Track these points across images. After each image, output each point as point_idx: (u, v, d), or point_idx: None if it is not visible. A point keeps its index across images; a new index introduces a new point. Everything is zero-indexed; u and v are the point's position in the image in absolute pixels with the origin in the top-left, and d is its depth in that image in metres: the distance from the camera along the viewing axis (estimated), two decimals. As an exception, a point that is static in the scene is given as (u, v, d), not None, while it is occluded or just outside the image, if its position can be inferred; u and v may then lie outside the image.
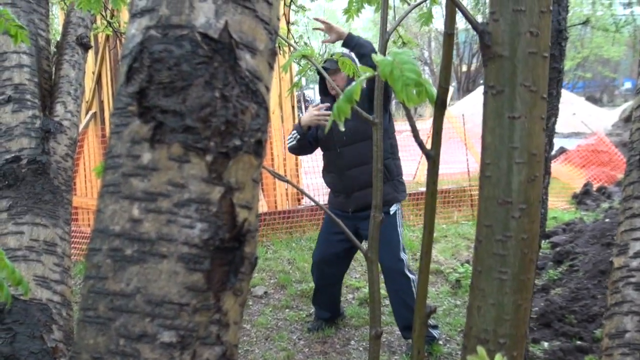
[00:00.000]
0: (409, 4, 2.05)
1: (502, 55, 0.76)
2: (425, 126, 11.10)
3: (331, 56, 4.34)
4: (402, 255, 4.52)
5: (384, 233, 4.53)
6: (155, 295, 0.83)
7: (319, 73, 4.48)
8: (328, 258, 4.80)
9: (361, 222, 4.48)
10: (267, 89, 0.94)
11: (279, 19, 0.98)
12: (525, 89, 0.75)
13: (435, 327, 4.78)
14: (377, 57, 0.82)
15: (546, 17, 0.75)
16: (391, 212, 4.54)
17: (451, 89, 13.74)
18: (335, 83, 4.58)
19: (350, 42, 4.33)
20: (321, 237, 4.92)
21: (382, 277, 5.52)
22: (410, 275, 4.49)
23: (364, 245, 1.69)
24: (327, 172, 4.77)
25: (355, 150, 4.56)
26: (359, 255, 5.42)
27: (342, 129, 0.94)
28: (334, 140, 4.61)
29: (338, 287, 5.05)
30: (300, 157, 8.82)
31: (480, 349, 0.67)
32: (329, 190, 4.85)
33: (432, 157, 0.79)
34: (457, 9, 0.78)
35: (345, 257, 4.84)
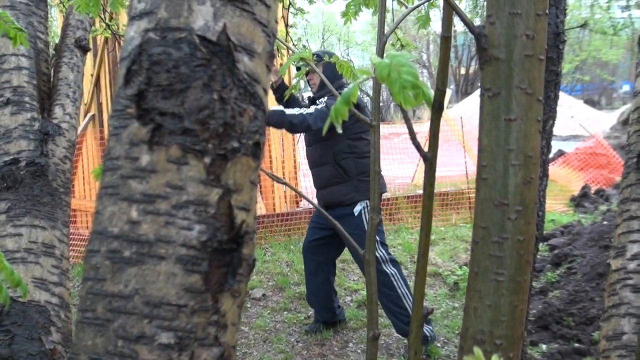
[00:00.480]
0: (406, 7, 2.05)
1: (499, 58, 0.76)
2: (423, 129, 11.11)
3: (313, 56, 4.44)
4: (378, 252, 4.53)
5: (353, 236, 4.54)
6: (153, 296, 0.83)
7: (306, 73, 4.55)
8: (310, 244, 4.91)
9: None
10: (265, 91, 0.94)
11: (277, 22, 0.98)
12: (521, 92, 0.76)
13: (428, 322, 4.76)
14: (374, 60, 0.82)
15: (542, 20, 0.76)
16: (355, 214, 4.58)
17: (449, 92, 13.77)
18: (312, 81, 4.76)
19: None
20: (308, 226, 5.12)
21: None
22: (389, 270, 4.51)
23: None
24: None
25: (315, 151, 4.76)
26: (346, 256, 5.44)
27: (340, 131, 0.94)
28: (308, 138, 4.85)
29: (323, 281, 4.99)
30: (298, 160, 8.83)
31: (477, 350, 0.67)
32: None
33: (429, 159, 0.80)
34: (454, 12, 0.78)
35: (326, 245, 4.85)
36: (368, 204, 4.65)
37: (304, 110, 4.43)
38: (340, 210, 4.58)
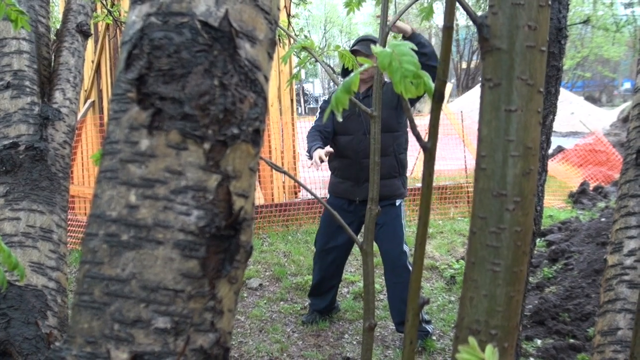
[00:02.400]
0: (409, -2, 2.05)
1: (500, 48, 0.76)
2: (424, 122, 11.11)
3: (362, 40, 4.32)
4: (405, 248, 4.54)
5: (389, 224, 4.56)
6: (150, 281, 0.83)
7: (344, 73, 4.41)
8: (330, 248, 4.85)
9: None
10: (266, 78, 0.94)
11: (279, 9, 0.98)
12: (522, 82, 0.76)
13: (428, 322, 4.79)
14: (376, 49, 0.82)
15: (545, 11, 0.76)
16: (396, 204, 4.56)
17: (450, 86, 13.74)
18: (364, 75, 4.50)
19: (413, 39, 4.25)
20: (323, 226, 4.95)
21: (377, 270, 5.53)
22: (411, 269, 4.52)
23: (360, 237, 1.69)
24: (341, 157, 4.67)
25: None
26: (354, 248, 5.44)
27: (340, 119, 0.94)
28: (360, 125, 4.57)
29: (338, 279, 5.06)
30: (297, 151, 8.83)
31: (472, 339, 0.68)
32: (333, 176, 4.82)
33: (429, 149, 0.80)
34: (456, 2, 0.78)
35: (346, 246, 4.86)
36: (403, 199, 4.68)
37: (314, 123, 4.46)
38: (383, 202, 4.47)
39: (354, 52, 4.27)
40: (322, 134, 4.53)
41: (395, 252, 4.52)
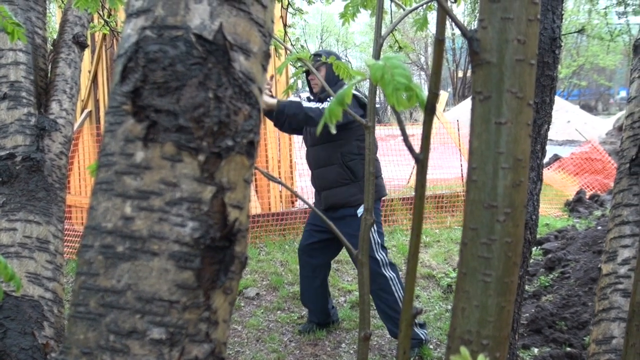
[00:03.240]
0: (404, 9, 2.06)
1: (490, 62, 0.77)
2: (420, 131, 11.11)
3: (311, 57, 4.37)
4: (378, 255, 4.54)
5: (353, 236, 4.56)
6: (145, 292, 0.84)
7: (306, 73, 4.46)
8: (307, 248, 4.89)
9: (333, 222, 4.48)
10: (260, 90, 0.95)
11: (273, 22, 0.99)
12: (512, 96, 0.77)
13: (422, 325, 4.77)
14: (368, 61, 0.83)
15: (534, 26, 0.77)
16: (358, 214, 4.57)
17: (446, 95, 13.76)
18: (315, 81, 4.63)
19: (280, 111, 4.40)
20: (304, 228, 5.05)
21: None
22: (388, 274, 4.52)
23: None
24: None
25: (321, 151, 4.66)
26: (349, 258, 5.44)
27: (334, 131, 0.95)
28: (306, 138, 4.78)
29: (321, 284, 5.01)
30: (294, 160, 8.83)
31: (464, 350, 0.68)
32: None
33: (421, 161, 0.81)
34: (447, 15, 0.79)
35: (324, 249, 4.86)
36: (379, 202, 4.69)
37: (321, 105, 4.39)
38: (342, 212, 4.58)
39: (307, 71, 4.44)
40: None
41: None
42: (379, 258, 4.55)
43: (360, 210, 4.59)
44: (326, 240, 4.77)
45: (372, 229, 4.61)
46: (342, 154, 4.57)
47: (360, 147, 4.63)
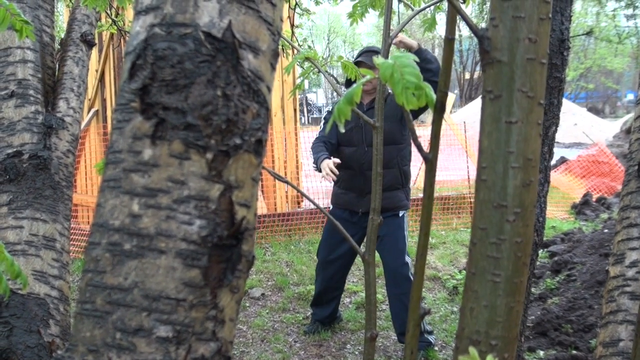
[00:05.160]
0: (413, 10, 2.06)
1: (501, 61, 0.77)
2: (427, 132, 11.10)
3: (366, 51, 4.31)
4: (407, 259, 4.54)
5: (391, 236, 4.55)
6: (152, 290, 0.84)
7: (347, 84, 4.36)
8: (333, 259, 4.83)
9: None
10: (269, 89, 0.95)
11: (282, 20, 0.99)
12: (522, 95, 0.76)
13: (430, 332, 4.79)
14: (378, 60, 0.83)
15: (545, 24, 0.76)
16: (399, 215, 4.54)
17: (453, 96, 13.75)
18: (369, 85, 4.47)
19: (419, 54, 4.22)
20: (326, 236, 4.95)
21: (380, 280, 5.53)
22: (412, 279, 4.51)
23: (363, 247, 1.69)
24: (344, 168, 4.59)
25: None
26: (357, 259, 5.43)
27: (342, 130, 0.95)
28: (363, 137, 4.55)
29: (341, 290, 5.06)
30: (301, 160, 8.83)
31: (472, 350, 0.68)
32: (336, 187, 4.80)
33: (430, 160, 0.80)
34: (458, 15, 0.79)
35: (348, 257, 4.85)
36: (407, 211, 4.65)
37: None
38: (386, 214, 4.46)
39: (357, 63, 4.27)
40: (326, 145, 4.51)
41: (396, 263, 4.51)
42: (409, 262, 4.55)
43: (401, 212, 4.58)
44: (348, 248, 4.73)
45: (406, 234, 4.60)
46: (400, 158, 4.51)
47: (411, 153, 4.59)
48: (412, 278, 4.46)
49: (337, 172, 4.26)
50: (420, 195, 8.82)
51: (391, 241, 4.53)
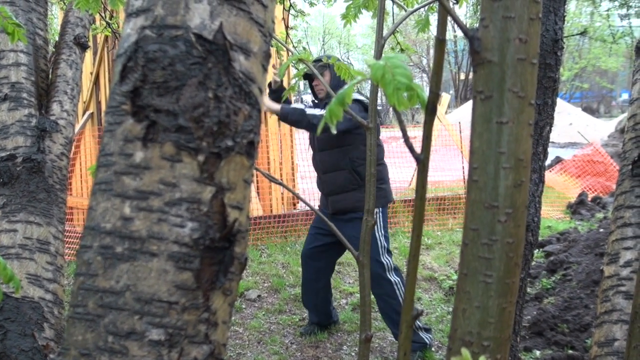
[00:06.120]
0: (406, 10, 2.06)
1: (491, 61, 0.77)
2: (421, 133, 11.08)
3: (316, 60, 4.36)
4: (383, 259, 4.52)
5: (358, 239, 4.54)
6: (144, 293, 0.83)
7: (305, 77, 4.43)
8: (312, 251, 4.87)
9: (340, 225, 4.46)
10: (261, 90, 0.94)
11: (273, 22, 0.98)
12: (513, 95, 0.76)
13: (428, 330, 4.77)
14: (369, 61, 0.82)
15: (535, 24, 0.76)
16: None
17: (448, 97, 13.75)
18: (319, 86, 4.56)
19: (284, 118, 4.49)
20: (309, 232, 5.04)
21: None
22: (393, 278, 4.50)
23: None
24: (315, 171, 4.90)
25: (329, 156, 4.64)
26: (352, 260, 5.43)
27: (334, 131, 0.94)
28: (314, 143, 4.74)
29: (324, 286, 5.02)
30: (296, 162, 8.83)
31: (465, 351, 0.68)
32: None
33: (422, 161, 0.80)
34: (448, 15, 0.79)
35: (328, 252, 4.85)
36: (381, 209, 4.64)
37: (324, 112, 4.34)
38: (351, 215, 4.57)
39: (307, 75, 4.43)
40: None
41: (370, 263, 4.52)
42: (384, 262, 4.54)
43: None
44: (330, 243, 4.77)
45: (380, 233, 4.61)
46: (350, 159, 4.55)
47: (365, 152, 4.60)
48: (389, 276, 4.48)
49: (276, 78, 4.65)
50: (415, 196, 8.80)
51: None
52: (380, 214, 4.64)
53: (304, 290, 5.04)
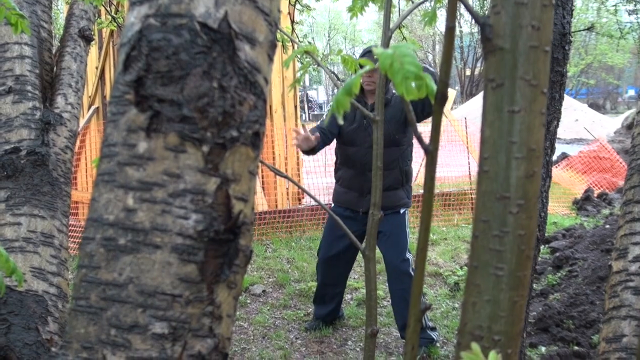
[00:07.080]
0: (413, 2, 2.04)
1: (503, 48, 0.75)
2: (428, 129, 11.06)
3: (368, 52, 4.26)
4: (408, 255, 4.52)
5: (392, 232, 4.54)
6: (148, 285, 0.82)
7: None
8: (333, 256, 4.79)
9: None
10: (266, 80, 0.93)
11: (279, 11, 0.97)
12: (525, 83, 0.74)
13: (433, 329, 4.77)
14: (377, 50, 0.81)
15: (548, 11, 0.74)
16: (401, 212, 4.54)
17: (454, 93, 13.72)
18: (372, 79, 4.41)
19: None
20: (326, 235, 4.92)
21: (381, 276, 5.52)
22: (413, 273, 4.49)
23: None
24: (346, 167, 4.64)
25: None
26: (358, 255, 5.42)
27: (341, 122, 0.93)
28: (366, 137, 4.48)
29: (342, 288, 5.04)
30: (302, 157, 8.81)
31: (475, 346, 0.66)
32: (338, 185, 4.78)
33: (431, 152, 0.78)
34: (459, 2, 0.77)
35: (349, 254, 4.82)
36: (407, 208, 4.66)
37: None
38: (385, 211, 4.48)
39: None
40: (322, 131, 4.48)
41: (397, 259, 4.50)
42: (409, 259, 4.54)
43: (402, 209, 4.58)
44: (348, 246, 4.71)
45: (406, 231, 4.60)
46: (401, 158, 4.50)
47: (411, 152, 4.59)
48: (412, 273, 4.47)
49: (302, 132, 4.34)
50: (422, 191, 8.80)
51: (392, 238, 4.53)
52: (407, 213, 4.65)
53: (320, 292, 5.01)
